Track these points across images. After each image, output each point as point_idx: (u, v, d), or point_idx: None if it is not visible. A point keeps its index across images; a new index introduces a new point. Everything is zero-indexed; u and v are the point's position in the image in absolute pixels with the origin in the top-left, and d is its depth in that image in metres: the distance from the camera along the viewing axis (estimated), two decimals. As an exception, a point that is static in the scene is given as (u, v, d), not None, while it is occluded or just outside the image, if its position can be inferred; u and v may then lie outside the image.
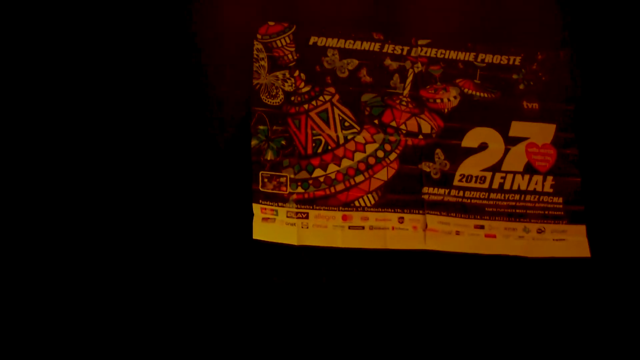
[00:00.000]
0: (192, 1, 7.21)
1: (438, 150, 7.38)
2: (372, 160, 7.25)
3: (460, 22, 7.71)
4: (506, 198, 7.43)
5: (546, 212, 7.46)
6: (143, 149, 6.83)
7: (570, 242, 7.40)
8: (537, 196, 7.47)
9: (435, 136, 7.41)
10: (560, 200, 7.51)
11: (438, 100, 7.49)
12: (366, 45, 7.47)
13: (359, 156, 7.24)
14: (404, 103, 7.43)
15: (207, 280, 6.70)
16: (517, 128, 7.59)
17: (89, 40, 6.91)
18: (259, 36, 7.30)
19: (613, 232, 7.53)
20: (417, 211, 7.24)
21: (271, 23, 7.35)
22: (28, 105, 6.68)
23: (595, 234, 7.48)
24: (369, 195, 7.19)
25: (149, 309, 6.55)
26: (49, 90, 6.77)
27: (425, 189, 7.29)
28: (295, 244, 6.97)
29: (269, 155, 7.07)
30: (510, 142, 7.54)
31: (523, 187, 7.48)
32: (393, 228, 7.15)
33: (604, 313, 7.34)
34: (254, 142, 7.08)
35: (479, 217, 7.35)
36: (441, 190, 7.32)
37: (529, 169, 7.52)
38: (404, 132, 7.37)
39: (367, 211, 7.15)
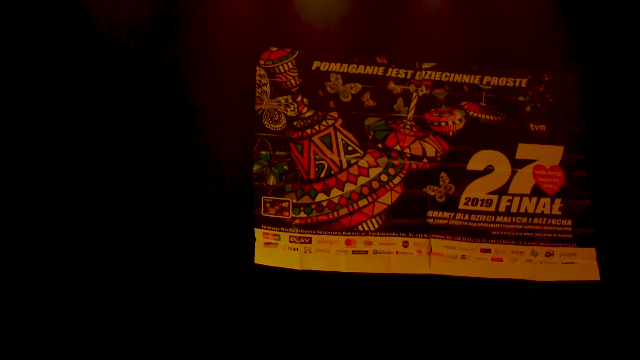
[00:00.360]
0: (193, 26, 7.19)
1: (443, 174, 7.31)
2: (375, 184, 7.20)
3: (465, 45, 7.68)
4: (513, 221, 7.32)
5: (555, 235, 7.34)
6: (146, 174, 6.84)
7: (579, 265, 7.27)
8: (545, 219, 7.36)
9: (440, 159, 7.34)
10: (569, 222, 7.39)
11: (443, 124, 7.43)
12: (369, 70, 7.46)
13: (362, 180, 7.20)
14: (408, 126, 7.39)
15: (209, 305, 6.65)
16: (524, 150, 7.50)
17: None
18: (261, 62, 7.31)
19: (624, 254, 7.38)
20: (421, 235, 7.17)
21: (274, 49, 7.37)
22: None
23: (605, 257, 7.32)
24: (373, 220, 7.13)
25: (154, 334, 6.51)
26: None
27: (430, 213, 7.22)
28: (298, 268, 6.92)
29: (271, 180, 7.05)
30: (517, 164, 7.45)
31: (530, 210, 7.37)
32: (397, 252, 7.09)
33: (615, 339, 7.17)
34: (256, 168, 7.07)
35: (485, 240, 7.26)
36: (446, 214, 7.24)
37: (537, 192, 7.42)
38: (408, 155, 7.32)
39: (371, 235, 7.10)
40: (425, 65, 7.54)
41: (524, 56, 7.74)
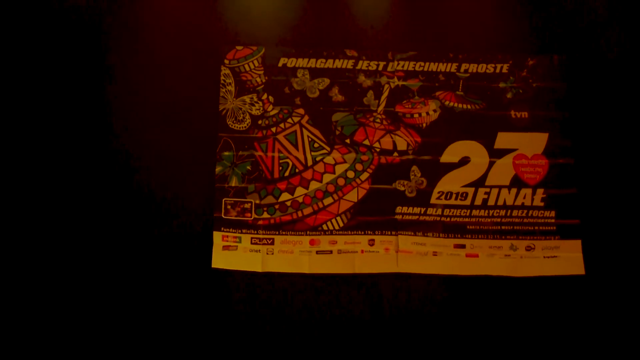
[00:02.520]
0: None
1: (414, 168, 7.03)
2: (341, 182, 6.99)
3: (440, 32, 7.33)
4: (490, 214, 6.97)
5: (536, 228, 6.95)
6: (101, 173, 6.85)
7: (563, 258, 6.86)
8: (525, 211, 6.97)
9: (412, 153, 7.06)
10: (553, 214, 6.97)
11: (415, 115, 7.14)
12: (339, 63, 7.24)
13: (327, 178, 7.00)
14: (378, 120, 7.14)
15: (164, 310, 6.62)
16: (504, 139, 7.12)
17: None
18: (226, 61, 7.22)
19: (612, 246, 6.89)
20: (389, 232, 6.91)
21: (239, 47, 7.26)
22: None
23: (591, 250, 6.86)
24: (338, 218, 6.93)
25: (110, 340, 6.53)
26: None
27: (398, 209, 6.95)
28: (260, 270, 6.79)
29: (234, 182, 6.95)
30: (496, 154, 7.08)
31: (509, 202, 6.99)
32: (362, 251, 6.86)
33: (600, 338, 6.72)
34: (218, 169, 6.99)
35: (459, 235, 6.94)
36: (417, 210, 6.96)
37: (517, 182, 7.04)
38: (378, 150, 7.07)
39: (336, 234, 6.90)
40: (398, 56, 7.26)
41: (506, 40, 7.32)
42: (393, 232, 6.87)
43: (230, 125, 7.07)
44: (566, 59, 7.26)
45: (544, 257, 6.85)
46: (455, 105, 7.15)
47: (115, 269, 6.62)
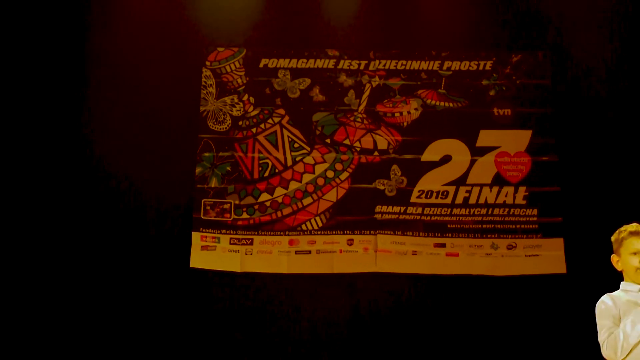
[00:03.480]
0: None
1: (394, 167, 6.98)
2: (321, 181, 6.98)
3: (422, 30, 7.27)
4: (471, 213, 6.90)
5: (518, 226, 6.86)
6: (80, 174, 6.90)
7: (544, 257, 6.77)
8: (507, 209, 6.89)
9: (393, 152, 7.02)
10: (535, 212, 6.88)
11: (397, 114, 7.10)
12: (320, 63, 7.23)
13: (307, 178, 7.00)
14: (359, 119, 7.11)
15: (143, 309, 6.65)
16: (486, 137, 7.05)
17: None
18: (207, 63, 7.25)
19: (595, 244, 6.74)
20: (368, 232, 6.87)
21: (220, 49, 7.29)
22: None
23: (574, 248, 6.75)
24: (317, 218, 6.92)
25: (88, 339, 6.59)
26: None
27: (378, 208, 6.91)
28: (238, 271, 6.80)
29: (213, 182, 6.98)
30: (478, 152, 7.02)
31: (491, 200, 6.92)
32: (341, 251, 6.83)
33: (581, 336, 6.58)
34: (198, 170, 7.02)
35: (439, 234, 6.87)
36: (396, 209, 6.91)
37: (499, 180, 6.96)
38: (358, 149, 7.05)
39: (315, 234, 6.88)
40: (379, 55, 7.23)
41: (490, 37, 7.25)
42: (372, 232, 6.83)
43: (210, 127, 7.10)
44: (552, 55, 7.11)
45: (526, 255, 6.76)
46: (437, 103, 7.09)
47: (95, 269, 6.64)
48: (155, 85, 7.06)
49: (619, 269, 4.08)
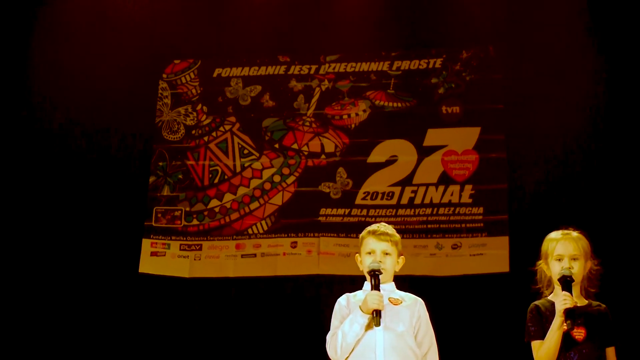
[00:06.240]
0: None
1: (340, 169, 7.00)
2: (267, 186, 7.06)
3: (372, 31, 7.27)
4: (416, 213, 6.83)
5: (463, 225, 6.74)
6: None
7: (488, 256, 6.62)
8: (452, 208, 6.78)
9: (340, 154, 7.03)
10: (481, 210, 6.75)
11: (345, 117, 7.12)
12: (271, 70, 7.33)
13: (255, 183, 7.09)
14: (307, 123, 7.16)
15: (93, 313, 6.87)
16: (433, 136, 6.97)
17: None
18: (164, 75, 7.46)
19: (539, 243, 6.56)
20: (312, 234, 6.89)
21: (177, 61, 7.49)
22: None
23: (519, 246, 6.58)
24: (263, 222, 6.99)
25: (36, 339, 6.82)
26: None
27: (322, 211, 6.93)
28: (187, 276, 6.94)
29: (165, 191, 7.15)
30: (424, 152, 6.94)
31: (436, 200, 6.83)
32: (284, 254, 6.88)
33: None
34: (152, 179, 7.22)
35: (383, 236, 6.79)
36: (340, 211, 6.91)
37: (445, 179, 6.87)
38: (306, 153, 7.09)
39: (260, 238, 6.96)
40: (329, 58, 7.26)
41: (441, 35, 7.16)
42: (315, 234, 6.85)
43: (165, 137, 7.28)
44: (503, 48, 6.97)
45: (470, 255, 6.63)
46: (386, 104, 7.06)
47: (46, 272, 6.88)
48: (112, 98, 7.27)
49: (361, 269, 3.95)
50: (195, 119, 7.27)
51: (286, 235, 6.88)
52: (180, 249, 6.99)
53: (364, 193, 6.88)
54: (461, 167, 6.81)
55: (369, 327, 3.77)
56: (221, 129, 7.23)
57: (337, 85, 7.17)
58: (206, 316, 6.87)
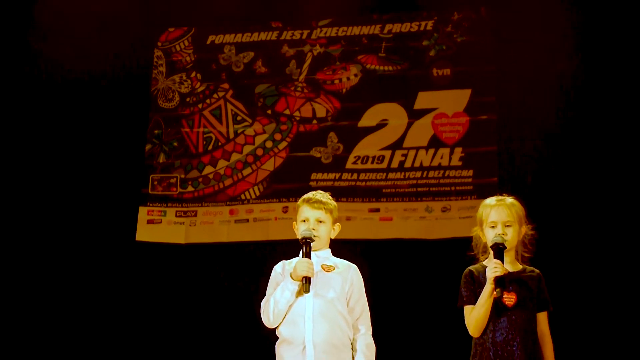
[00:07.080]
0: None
1: (331, 134, 7.03)
2: (260, 152, 7.12)
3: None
4: (406, 177, 6.85)
5: (453, 188, 6.76)
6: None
7: (477, 218, 6.58)
8: (442, 171, 6.80)
9: (331, 119, 7.06)
10: (471, 173, 6.75)
11: (336, 81, 7.14)
12: (263, 36, 7.36)
13: (247, 149, 7.16)
14: (299, 89, 7.20)
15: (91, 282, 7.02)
16: (424, 99, 6.97)
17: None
18: (159, 44, 7.53)
19: (532, 203, 6.55)
20: (303, 199, 6.92)
21: (171, 29, 7.55)
22: None
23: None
24: (255, 187, 7.07)
25: (33, 311, 6.99)
26: None
27: (313, 175, 6.99)
28: (183, 242, 7.06)
29: (161, 158, 7.26)
30: (415, 115, 6.95)
31: (426, 163, 6.84)
32: (276, 218, 6.96)
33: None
34: (147, 147, 7.32)
35: (374, 199, 6.86)
36: (331, 175, 6.97)
37: (435, 142, 6.87)
38: (298, 118, 7.14)
39: (252, 203, 7.04)
40: (321, 23, 7.27)
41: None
42: (307, 199, 6.86)
43: (160, 105, 7.37)
44: (495, 9, 6.91)
45: (460, 217, 6.63)
46: (377, 67, 7.06)
47: (42, 241, 7.03)
48: (110, 68, 7.36)
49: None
50: (190, 86, 7.34)
51: (278, 200, 6.94)
52: (177, 216, 7.09)
53: (355, 157, 6.90)
54: (451, 129, 6.80)
55: (299, 293, 3.82)
56: (215, 96, 7.28)
57: (329, 50, 7.17)
58: (202, 282, 6.94)
